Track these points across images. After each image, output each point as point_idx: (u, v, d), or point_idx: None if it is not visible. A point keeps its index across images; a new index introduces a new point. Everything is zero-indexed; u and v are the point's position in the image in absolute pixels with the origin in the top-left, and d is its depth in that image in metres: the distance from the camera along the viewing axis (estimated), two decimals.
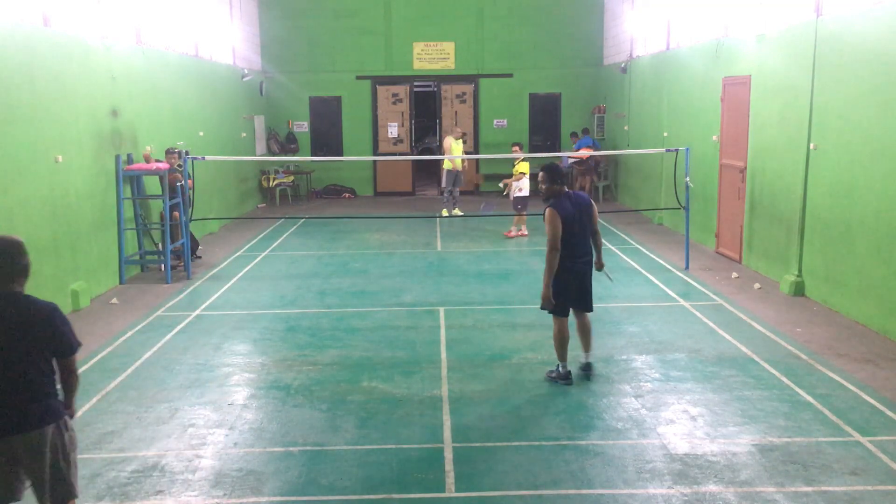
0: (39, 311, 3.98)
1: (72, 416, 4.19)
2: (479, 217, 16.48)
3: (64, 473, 4.06)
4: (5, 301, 3.95)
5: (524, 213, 14.23)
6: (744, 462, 5.48)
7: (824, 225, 9.43)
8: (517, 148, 14.76)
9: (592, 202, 7.07)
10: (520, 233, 14.41)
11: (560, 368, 7.05)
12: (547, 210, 6.79)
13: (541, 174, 6.96)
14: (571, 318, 7.11)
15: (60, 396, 4.16)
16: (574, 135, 19.57)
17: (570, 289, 6.91)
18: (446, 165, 16.35)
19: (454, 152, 16.14)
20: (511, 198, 14.50)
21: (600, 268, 7.25)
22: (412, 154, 21.24)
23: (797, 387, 6.85)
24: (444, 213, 16.68)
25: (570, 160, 19.35)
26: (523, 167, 14.26)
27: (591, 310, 7.15)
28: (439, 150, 19.55)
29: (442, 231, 15.30)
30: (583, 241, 6.92)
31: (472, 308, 9.57)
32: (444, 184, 16.82)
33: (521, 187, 14.22)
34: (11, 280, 3.97)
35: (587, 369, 7.14)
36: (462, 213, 16.79)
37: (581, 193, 7.11)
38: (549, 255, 6.71)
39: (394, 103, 21.09)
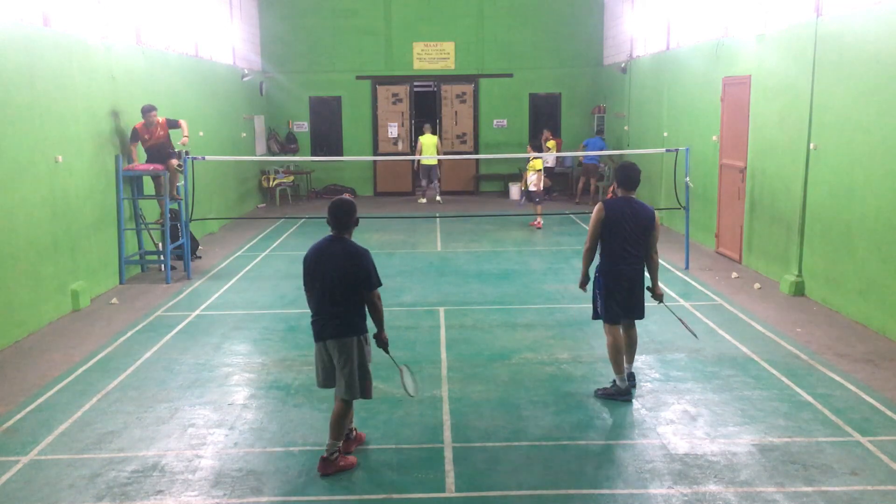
0: (354, 253, 5.41)
1: (384, 342, 5.61)
2: (478, 217, 16.49)
3: (356, 374, 5.42)
4: (338, 243, 5.44)
5: (539, 204, 15.52)
6: (744, 462, 5.49)
7: (824, 225, 9.43)
8: (540, 143, 16.28)
9: (656, 221, 6.67)
10: (534, 224, 15.61)
11: (618, 382, 6.67)
12: (597, 204, 6.73)
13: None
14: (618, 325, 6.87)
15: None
16: (600, 132, 19.99)
17: (620, 293, 6.63)
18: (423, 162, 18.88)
19: (427, 149, 18.55)
20: (527, 189, 15.81)
21: (657, 297, 6.82)
22: (412, 154, 21.24)
23: (797, 387, 6.85)
24: (421, 200, 19.29)
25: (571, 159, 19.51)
26: (537, 164, 15.30)
27: (641, 317, 6.82)
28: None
29: (442, 231, 15.30)
30: (628, 253, 6.57)
31: (472, 308, 9.57)
32: (420, 176, 19.64)
33: (536, 182, 15.36)
34: (345, 229, 5.48)
35: (630, 380, 6.78)
36: (441, 201, 19.06)
37: (646, 206, 6.69)
38: (584, 249, 6.79)
39: (394, 103, 21.09)
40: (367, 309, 5.50)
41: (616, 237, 6.56)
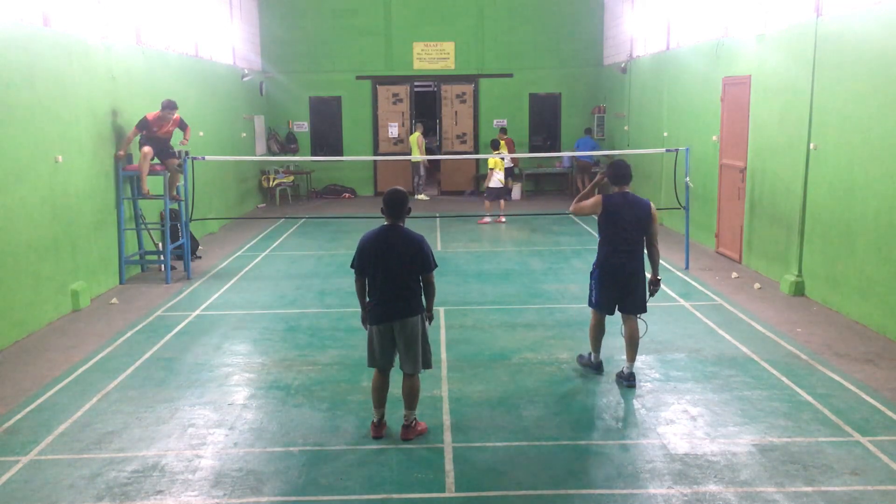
0: (413, 239, 5.84)
1: (430, 320, 6.01)
2: (475, 216, 16.48)
3: (421, 349, 5.91)
4: (394, 230, 5.85)
5: (495, 201, 16.11)
6: (744, 462, 5.49)
7: (824, 225, 9.43)
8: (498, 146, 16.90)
9: (653, 213, 6.87)
10: (497, 220, 16.11)
11: (591, 357, 7.23)
12: (598, 195, 6.99)
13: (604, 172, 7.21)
14: (618, 322, 7.20)
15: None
16: (588, 131, 20.01)
17: (612, 285, 6.90)
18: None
19: (412, 147, 19.33)
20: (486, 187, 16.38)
21: (653, 291, 6.94)
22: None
23: (797, 387, 6.85)
24: (419, 197, 19.66)
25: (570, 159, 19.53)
26: (492, 162, 15.99)
27: (642, 311, 6.99)
28: (438, 149, 21.64)
29: (442, 231, 15.31)
30: (627, 245, 6.79)
31: (472, 308, 9.57)
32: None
33: (499, 178, 16.00)
34: (400, 217, 5.87)
35: (630, 380, 6.90)
36: (427, 198, 19.68)
37: (642, 199, 6.92)
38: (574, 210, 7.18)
39: (394, 103, 21.10)
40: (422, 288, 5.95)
41: (613, 230, 6.84)
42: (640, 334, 7.06)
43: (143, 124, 10.97)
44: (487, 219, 16.10)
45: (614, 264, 6.85)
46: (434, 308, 6.09)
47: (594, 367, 7.22)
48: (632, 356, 6.96)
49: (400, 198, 5.89)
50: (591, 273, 7.10)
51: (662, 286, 10.46)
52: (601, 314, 7.09)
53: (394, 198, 5.88)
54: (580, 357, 7.42)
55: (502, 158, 16.14)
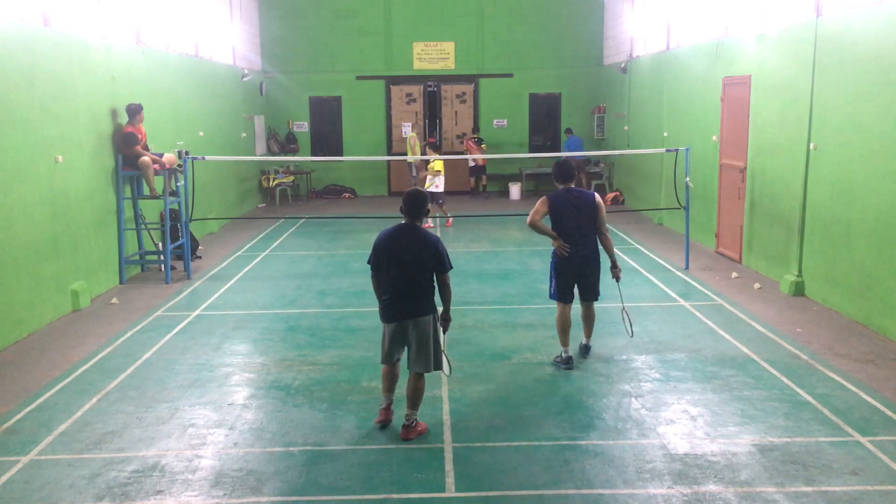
0: (428, 239, 5.89)
1: (447, 321, 6.06)
2: (474, 217, 16.49)
3: (431, 348, 5.94)
4: (412, 230, 5.90)
5: (443, 205, 15.83)
6: (744, 462, 5.48)
7: (824, 225, 9.43)
8: (430, 149, 16.52)
9: (598, 203, 7.41)
10: (446, 224, 16.02)
11: (562, 353, 7.44)
12: (542, 197, 7.49)
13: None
14: (577, 306, 7.57)
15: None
16: (569, 131, 19.98)
17: (568, 271, 7.39)
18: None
19: (409, 148, 19.03)
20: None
21: (615, 275, 7.58)
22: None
23: (797, 387, 6.85)
24: None
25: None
26: (438, 165, 15.70)
27: (596, 299, 7.59)
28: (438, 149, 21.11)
29: (441, 231, 15.30)
30: (579, 234, 7.32)
31: (472, 308, 9.57)
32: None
33: (437, 184, 15.61)
34: (417, 218, 5.92)
35: (585, 350, 7.71)
36: None
37: (585, 192, 7.55)
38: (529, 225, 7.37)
39: (407, 103, 21.13)
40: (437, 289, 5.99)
41: (563, 224, 7.33)
42: (630, 336, 7.77)
43: (134, 139, 10.83)
44: (444, 221, 16.01)
45: (572, 259, 7.33)
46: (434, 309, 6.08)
47: (565, 362, 7.39)
48: (589, 333, 7.70)
49: (419, 198, 5.95)
50: (550, 263, 7.54)
51: (662, 286, 10.50)
52: (564, 304, 7.45)
53: (413, 197, 5.95)
54: (555, 358, 7.55)
55: (443, 160, 16.06)
